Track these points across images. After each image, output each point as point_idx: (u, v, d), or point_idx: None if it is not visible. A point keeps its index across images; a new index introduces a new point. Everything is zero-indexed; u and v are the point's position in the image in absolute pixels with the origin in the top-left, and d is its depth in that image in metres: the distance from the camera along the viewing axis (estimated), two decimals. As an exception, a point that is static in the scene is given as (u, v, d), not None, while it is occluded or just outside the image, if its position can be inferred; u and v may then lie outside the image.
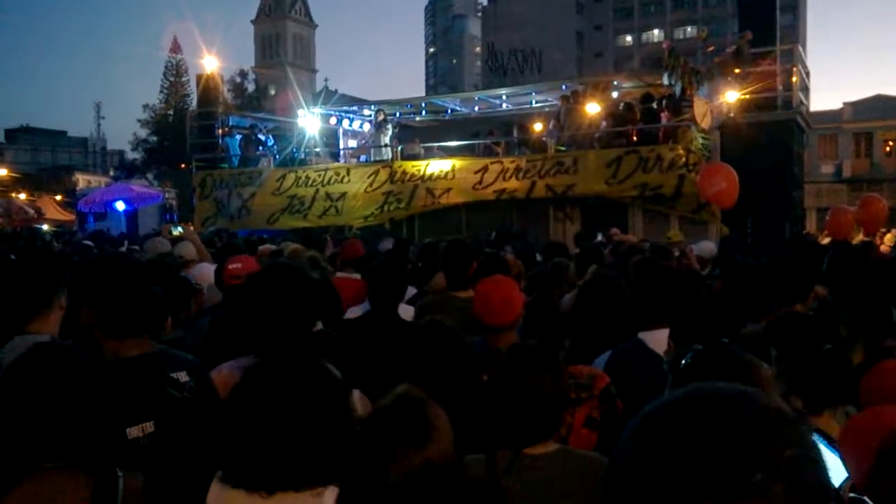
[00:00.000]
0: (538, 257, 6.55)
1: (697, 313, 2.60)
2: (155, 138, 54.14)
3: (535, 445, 1.95)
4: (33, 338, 2.72)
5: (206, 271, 5.24)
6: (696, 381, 0.80)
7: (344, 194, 14.63)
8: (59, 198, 38.08)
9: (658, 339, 2.83)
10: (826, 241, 7.94)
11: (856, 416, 1.56)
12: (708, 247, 7.58)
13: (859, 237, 8.46)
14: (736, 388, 0.75)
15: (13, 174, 51.26)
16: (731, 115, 12.90)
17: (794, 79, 13.78)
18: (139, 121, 56.12)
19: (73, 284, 2.67)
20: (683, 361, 1.82)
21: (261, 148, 16.78)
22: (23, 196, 38.79)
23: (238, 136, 17.09)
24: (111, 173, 69.85)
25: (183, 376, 2.25)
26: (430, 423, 1.64)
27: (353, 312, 4.01)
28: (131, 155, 61.19)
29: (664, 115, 12.88)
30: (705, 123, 12.41)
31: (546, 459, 1.94)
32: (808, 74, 16.12)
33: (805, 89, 15.42)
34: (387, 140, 15.95)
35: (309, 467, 1.53)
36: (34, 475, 1.68)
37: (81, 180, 64.73)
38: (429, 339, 2.44)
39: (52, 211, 29.18)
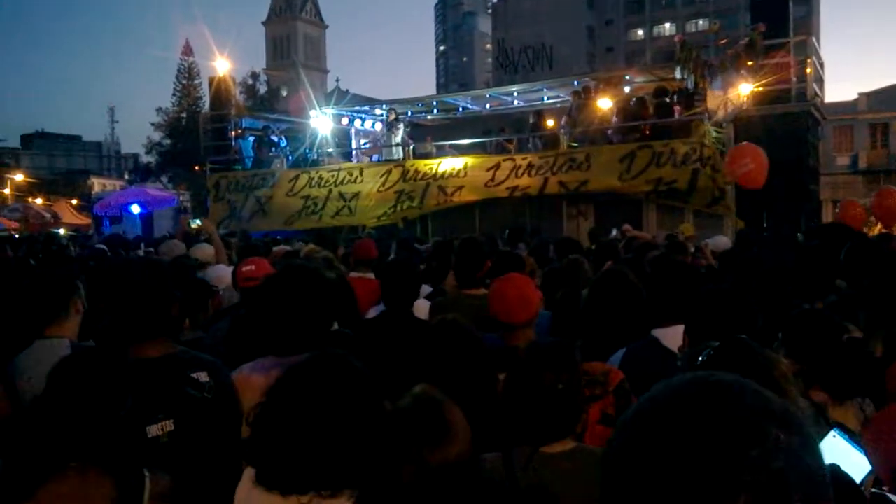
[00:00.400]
0: (552, 254, 6.54)
1: (713, 309, 2.56)
2: (168, 141, 54.42)
3: (552, 444, 1.95)
4: (52, 342, 2.76)
5: (222, 273, 5.27)
6: None
7: (357, 194, 14.66)
8: (74, 202, 38.48)
9: (673, 337, 2.80)
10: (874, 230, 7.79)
11: (884, 412, 1.52)
12: (723, 241, 7.55)
13: (877, 229, 8.36)
14: (725, 382, 0.74)
15: (29, 179, 51.83)
16: (745, 107, 12.82)
17: (808, 70, 13.66)
18: (153, 124, 56.41)
19: (90, 289, 2.70)
20: (700, 358, 1.81)
21: (273, 149, 16.85)
22: (39, 201, 39.20)
23: (251, 138, 17.17)
24: (126, 176, 70.51)
25: (203, 376, 2.27)
26: (447, 423, 1.65)
27: (371, 313, 4.04)
28: (145, 158, 61.58)
29: (677, 109, 12.81)
30: (719, 117, 12.34)
31: (563, 458, 1.94)
32: (822, 65, 15.97)
33: (819, 80, 15.28)
34: (398, 139, 15.98)
35: (346, 469, 1.54)
36: (59, 475, 1.70)
37: (97, 184, 65.41)
38: (444, 338, 2.45)
39: (69, 215, 29.45)
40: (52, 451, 1.72)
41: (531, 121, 15.95)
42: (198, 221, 6.69)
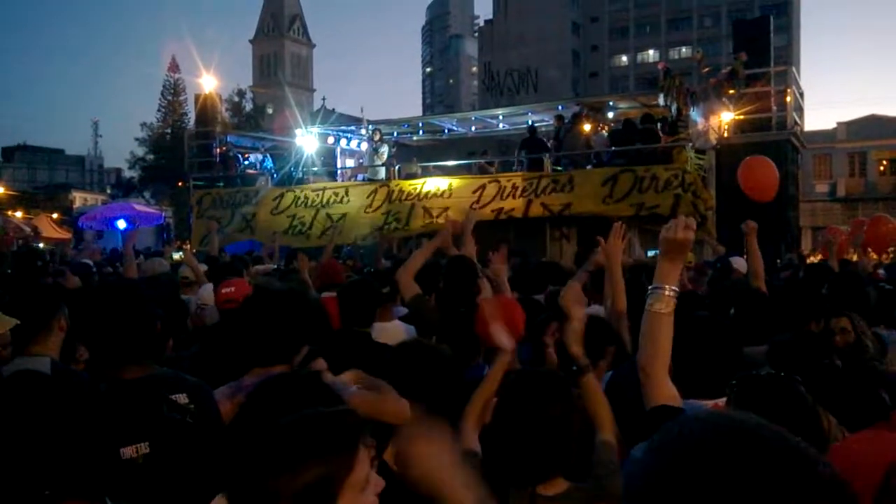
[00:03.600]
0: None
1: (699, 338, 2.57)
2: (152, 157, 54.15)
3: (547, 483, 1.85)
4: (33, 360, 2.74)
5: (209, 292, 5.28)
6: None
7: (344, 215, 14.67)
8: (55, 216, 38.08)
9: None
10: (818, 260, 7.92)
11: (849, 442, 1.48)
12: (741, 263, 7.31)
13: (856, 256, 8.47)
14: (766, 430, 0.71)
15: (10, 192, 51.27)
16: (726, 135, 13.02)
17: (787, 99, 13.92)
18: (136, 139, 56.06)
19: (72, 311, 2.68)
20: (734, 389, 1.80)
21: (239, 166, 17.03)
22: (19, 214, 38.75)
23: (263, 156, 17.39)
24: (108, 191, 69.99)
25: (182, 398, 2.24)
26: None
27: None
28: (128, 173, 61.18)
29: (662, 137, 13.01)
30: (700, 144, 12.52)
31: (562, 500, 1.84)
32: (801, 95, 16.27)
33: (799, 109, 15.56)
34: (383, 159, 16.03)
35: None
36: None
37: (78, 198, 64.75)
38: (406, 361, 2.44)
39: (49, 229, 29.07)
40: (27, 480, 1.71)
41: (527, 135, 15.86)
42: (180, 253, 6.72)
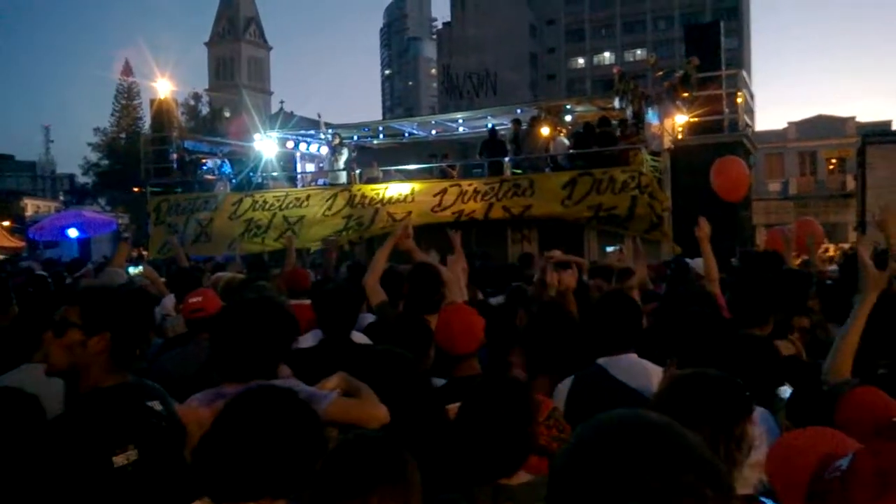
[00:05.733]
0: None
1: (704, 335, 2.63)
2: (106, 162, 53.11)
3: (510, 476, 1.94)
4: (37, 366, 2.75)
5: (169, 302, 5.27)
6: None
7: (302, 218, 14.64)
8: (7, 224, 37.09)
9: (620, 366, 2.87)
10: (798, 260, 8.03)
11: (787, 437, 1.53)
12: (699, 264, 7.48)
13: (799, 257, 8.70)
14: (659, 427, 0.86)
15: (-42, 200, 49.75)
16: (680, 137, 13.32)
17: (739, 101, 14.28)
18: (90, 144, 54.92)
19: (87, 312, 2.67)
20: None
21: (200, 171, 16.91)
22: (-32, 223, 37.67)
23: (221, 161, 17.24)
24: (61, 198, 68.36)
25: (157, 405, 2.30)
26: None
27: (304, 341, 3.99)
28: (82, 179, 59.90)
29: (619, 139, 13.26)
30: (655, 146, 12.80)
31: (525, 489, 1.93)
32: (752, 97, 16.71)
33: (750, 111, 15.97)
34: (343, 164, 16.02)
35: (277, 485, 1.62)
36: None
37: (30, 206, 63.05)
38: (384, 367, 2.48)
39: (1, 238, 28.40)
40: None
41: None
42: (140, 267, 6.62)
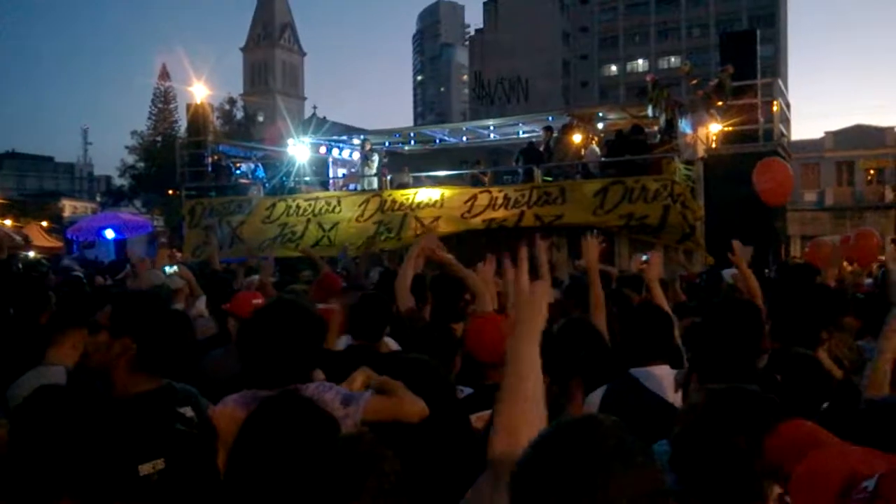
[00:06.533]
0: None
1: (720, 348, 2.58)
2: (143, 164, 54.04)
3: None
4: (48, 369, 2.77)
5: (201, 303, 5.34)
6: None
7: (336, 224, 14.72)
8: (45, 224, 37.91)
9: (653, 376, 2.85)
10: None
11: (808, 459, 1.49)
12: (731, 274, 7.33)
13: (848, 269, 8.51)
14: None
15: (0, 200, 50.95)
16: (714, 146, 13.17)
17: (774, 110, 14.09)
18: (127, 147, 55.89)
19: (115, 316, 2.66)
20: None
21: (231, 177, 17.08)
22: (9, 222, 38.55)
23: (255, 166, 17.45)
24: (98, 199, 69.73)
25: (188, 411, 2.31)
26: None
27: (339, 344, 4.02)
28: (118, 181, 60.99)
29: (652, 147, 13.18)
30: (688, 155, 12.68)
31: None
32: (788, 106, 16.47)
33: (786, 120, 15.74)
34: (374, 170, 16.12)
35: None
36: None
37: (68, 206, 64.52)
38: (408, 375, 2.47)
39: (39, 238, 28.99)
40: (47, 483, 1.78)
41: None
42: (175, 268, 6.70)
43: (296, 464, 1.61)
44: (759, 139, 13.54)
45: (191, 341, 2.39)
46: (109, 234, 19.49)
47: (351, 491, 1.44)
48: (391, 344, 3.89)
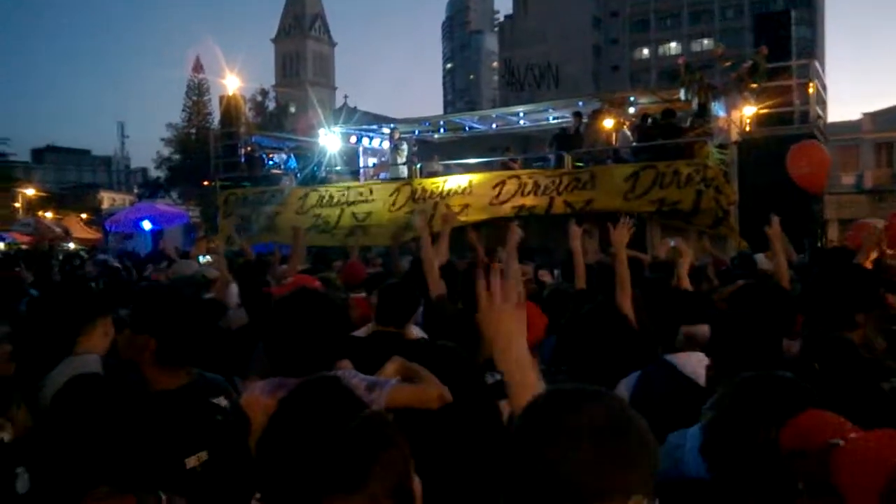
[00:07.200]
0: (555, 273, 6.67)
1: (738, 337, 2.53)
2: (178, 156, 54.77)
3: None
4: (81, 359, 2.82)
5: (231, 292, 5.38)
6: None
7: (369, 214, 14.77)
8: (84, 216, 38.73)
9: (690, 363, 2.83)
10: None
11: (858, 440, 1.46)
12: (764, 261, 7.20)
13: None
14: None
15: (40, 193, 52.14)
16: (748, 130, 12.97)
17: (810, 92, 13.82)
18: (162, 139, 56.65)
19: (134, 312, 2.70)
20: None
21: (264, 167, 17.24)
22: (49, 215, 39.46)
23: (287, 156, 17.61)
24: (135, 191, 70.88)
25: (222, 401, 2.34)
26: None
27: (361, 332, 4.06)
28: (154, 173, 61.93)
29: (684, 131, 12.99)
30: (722, 139, 12.49)
31: None
32: (825, 87, 16.13)
33: (822, 102, 15.43)
34: (403, 159, 16.17)
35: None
36: (92, 495, 1.82)
37: (106, 198, 65.77)
38: (436, 362, 2.48)
39: (79, 229, 29.69)
40: (87, 471, 1.84)
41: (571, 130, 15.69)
42: (208, 258, 6.80)
43: (325, 447, 1.63)
44: (795, 121, 13.30)
45: (212, 332, 2.41)
46: (147, 225, 19.85)
47: (357, 476, 1.45)
48: (415, 331, 3.93)
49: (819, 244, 14.16)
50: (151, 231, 19.82)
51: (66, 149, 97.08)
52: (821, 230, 17.19)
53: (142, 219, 20.22)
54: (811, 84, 13.81)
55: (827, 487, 1.36)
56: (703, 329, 2.86)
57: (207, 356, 2.42)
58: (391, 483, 1.40)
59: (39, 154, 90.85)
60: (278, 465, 1.61)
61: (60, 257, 11.46)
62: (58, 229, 27.34)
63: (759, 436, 1.71)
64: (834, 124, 28.78)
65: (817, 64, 15.67)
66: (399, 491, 1.35)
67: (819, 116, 14.48)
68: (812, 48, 55.85)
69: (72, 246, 25.24)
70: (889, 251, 7.81)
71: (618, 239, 4.01)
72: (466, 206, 13.66)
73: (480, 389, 2.56)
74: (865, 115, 42.16)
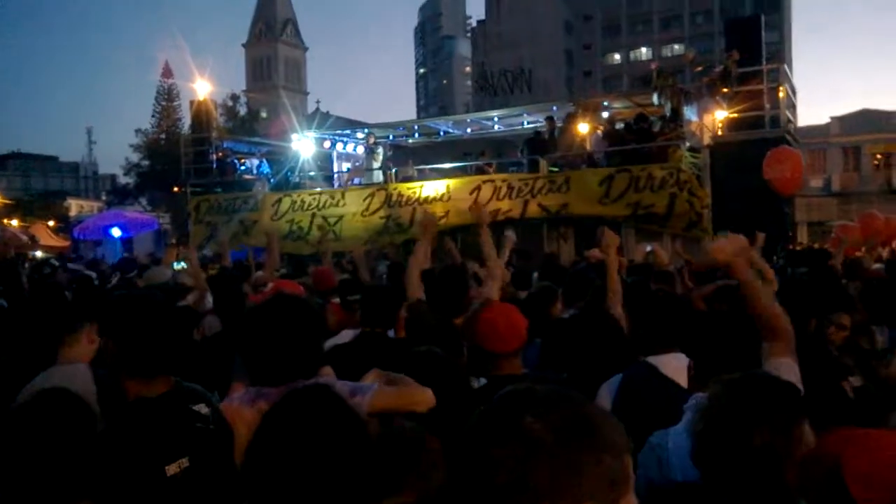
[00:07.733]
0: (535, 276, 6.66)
1: (718, 337, 2.53)
2: (147, 162, 54.10)
3: None
4: (66, 368, 2.73)
5: (206, 300, 5.30)
6: None
7: (340, 218, 14.68)
8: (52, 223, 38.01)
9: (672, 365, 2.81)
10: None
11: (864, 452, 1.44)
12: None
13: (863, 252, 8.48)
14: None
15: (5, 200, 51.07)
16: (720, 133, 13.11)
17: (780, 96, 14.01)
18: (131, 145, 55.89)
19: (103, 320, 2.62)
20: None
21: (238, 170, 17.09)
22: (15, 223, 38.66)
23: (260, 161, 17.47)
24: (104, 198, 69.89)
25: (203, 408, 2.28)
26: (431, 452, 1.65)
27: (339, 339, 3.99)
28: (123, 179, 61.12)
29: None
30: (694, 142, 12.61)
31: None
32: (794, 91, 16.38)
33: (792, 106, 15.66)
34: (378, 163, 16.09)
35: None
36: None
37: (74, 206, 64.68)
38: (421, 368, 2.43)
39: (46, 237, 29.06)
40: (65, 486, 1.77)
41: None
42: (183, 264, 6.68)
43: (327, 457, 1.57)
44: (766, 125, 13.47)
45: (178, 340, 2.33)
46: (116, 232, 19.55)
47: (391, 485, 1.40)
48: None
49: (791, 246, 14.35)
50: (121, 238, 19.51)
51: (32, 155, 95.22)
52: (791, 232, 17.43)
53: (111, 226, 19.90)
54: (781, 88, 14.02)
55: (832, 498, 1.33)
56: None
57: (180, 365, 2.34)
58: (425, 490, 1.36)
59: (4, 160, 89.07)
60: (284, 477, 1.55)
61: (26, 266, 11.19)
62: (24, 237, 26.75)
63: (755, 439, 1.68)
64: (803, 128, 29.24)
65: (786, 68, 15.92)
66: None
67: (789, 120, 14.70)
68: (780, 52, 56.77)
69: (39, 254, 24.72)
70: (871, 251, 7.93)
71: (608, 245, 3.96)
72: (447, 212, 13.53)
73: (468, 394, 2.51)
74: (833, 119, 42.97)
